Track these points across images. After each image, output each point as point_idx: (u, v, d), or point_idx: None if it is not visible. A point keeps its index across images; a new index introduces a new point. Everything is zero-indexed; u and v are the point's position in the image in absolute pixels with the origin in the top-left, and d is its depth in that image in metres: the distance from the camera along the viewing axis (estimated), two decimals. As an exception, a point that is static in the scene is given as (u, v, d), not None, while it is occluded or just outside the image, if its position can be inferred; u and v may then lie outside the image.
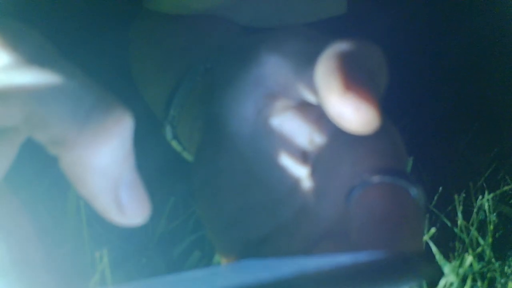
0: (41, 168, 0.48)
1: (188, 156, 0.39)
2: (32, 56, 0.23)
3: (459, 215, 0.57)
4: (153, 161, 0.43)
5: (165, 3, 0.41)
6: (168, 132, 0.38)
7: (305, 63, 0.29)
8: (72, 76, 0.22)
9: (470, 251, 0.56)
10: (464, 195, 0.57)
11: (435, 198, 0.57)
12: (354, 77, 0.24)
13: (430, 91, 0.61)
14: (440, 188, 0.57)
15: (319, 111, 0.30)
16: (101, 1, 0.51)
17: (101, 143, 0.22)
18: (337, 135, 0.29)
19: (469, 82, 0.63)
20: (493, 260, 0.56)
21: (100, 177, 0.22)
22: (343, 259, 0.22)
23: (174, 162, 0.42)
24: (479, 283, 0.55)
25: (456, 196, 0.57)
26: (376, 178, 0.27)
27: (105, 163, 0.22)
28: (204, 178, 0.32)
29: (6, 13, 0.44)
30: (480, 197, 0.58)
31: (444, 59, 0.62)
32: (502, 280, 0.55)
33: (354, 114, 0.24)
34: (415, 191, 0.27)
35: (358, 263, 0.21)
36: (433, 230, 0.53)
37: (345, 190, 0.28)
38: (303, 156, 0.30)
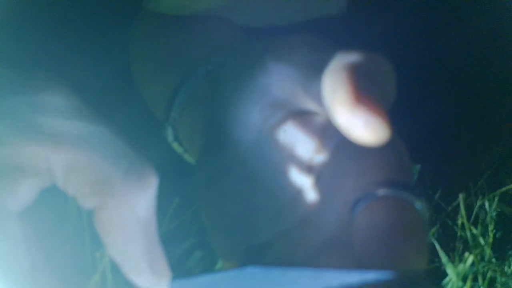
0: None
1: (189, 158, 0.39)
2: (73, 113, 0.26)
3: (460, 214, 0.57)
4: (155, 162, 0.43)
5: (165, 3, 0.41)
6: (169, 134, 0.38)
7: (312, 72, 0.29)
8: (110, 139, 0.25)
9: (470, 250, 0.56)
10: (464, 195, 0.57)
11: (436, 198, 0.57)
12: (364, 90, 0.24)
13: (430, 91, 0.61)
14: (440, 188, 0.57)
15: (324, 121, 0.30)
16: (101, 2, 0.51)
17: (137, 200, 0.25)
18: (342, 145, 0.29)
19: (469, 82, 0.63)
20: (493, 260, 0.56)
21: (133, 232, 0.25)
22: (350, 276, 0.22)
23: (176, 163, 0.42)
24: (479, 283, 0.55)
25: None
26: (381, 191, 0.27)
27: (139, 218, 0.24)
28: (206, 182, 0.32)
29: (7, 14, 0.44)
30: (481, 197, 0.58)
31: (444, 59, 0.62)
32: (502, 280, 0.55)
33: (364, 126, 0.24)
34: (420, 205, 0.27)
35: (364, 283, 0.21)
36: (434, 228, 0.53)
37: (349, 201, 0.28)
38: (308, 166, 0.30)
